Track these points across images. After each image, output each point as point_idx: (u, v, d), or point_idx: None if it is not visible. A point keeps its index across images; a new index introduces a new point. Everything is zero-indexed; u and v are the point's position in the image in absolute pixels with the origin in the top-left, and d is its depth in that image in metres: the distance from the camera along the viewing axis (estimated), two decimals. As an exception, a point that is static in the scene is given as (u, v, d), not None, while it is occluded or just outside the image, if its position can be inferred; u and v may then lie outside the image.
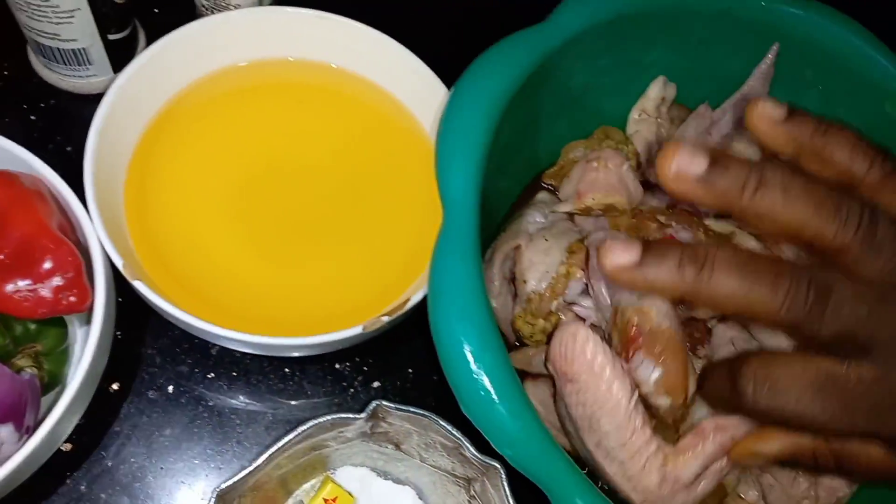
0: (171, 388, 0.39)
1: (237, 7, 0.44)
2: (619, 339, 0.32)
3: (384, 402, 0.32)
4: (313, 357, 0.41)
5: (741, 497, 0.35)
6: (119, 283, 0.35)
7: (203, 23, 0.41)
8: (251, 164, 0.40)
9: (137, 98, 0.39)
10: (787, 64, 0.41)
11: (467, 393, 0.28)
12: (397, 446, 0.36)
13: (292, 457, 0.34)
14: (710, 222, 0.39)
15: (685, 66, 0.42)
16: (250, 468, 0.31)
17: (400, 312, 0.35)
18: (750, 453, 0.30)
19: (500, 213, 0.41)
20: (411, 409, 0.33)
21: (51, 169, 0.36)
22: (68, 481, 0.37)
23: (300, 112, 0.42)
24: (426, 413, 0.32)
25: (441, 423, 0.32)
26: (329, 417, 0.33)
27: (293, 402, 0.40)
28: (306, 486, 0.37)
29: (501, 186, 0.40)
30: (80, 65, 0.43)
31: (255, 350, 0.37)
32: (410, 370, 0.41)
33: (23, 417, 0.32)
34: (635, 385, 0.31)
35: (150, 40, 0.40)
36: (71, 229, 0.35)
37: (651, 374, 0.31)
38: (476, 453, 0.32)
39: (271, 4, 0.45)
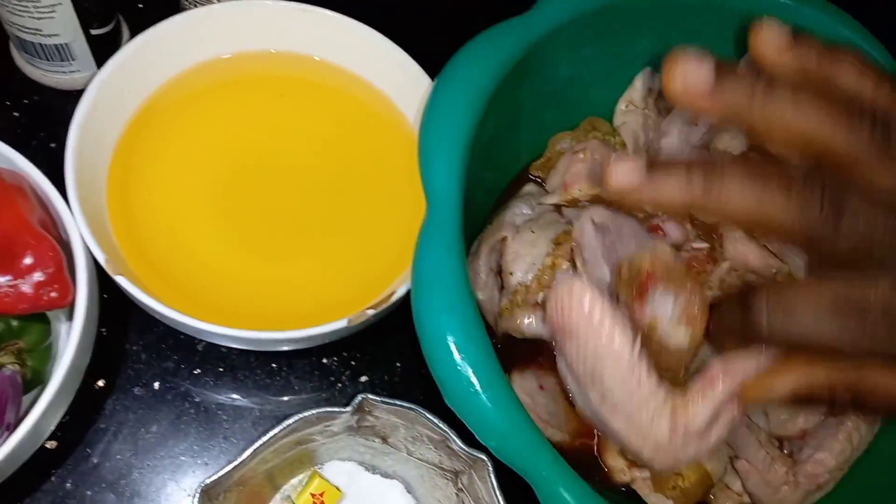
0: (156, 385, 0.39)
1: (220, 0, 0.44)
2: (629, 289, 0.31)
3: (370, 396, 0.32)
4: (300, 352, 0.41)
5: (728, 487, 0.35)
6: (103, 279, 0.35)
7: (186, 16, 0.41)
8: (235, 158, 0.40)
9: (120, 92, 0.39)
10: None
11: (451, 384, 0.28)
12: (384, 440, 0.36)
13: (278, 451, 0.34)
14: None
15: (672, 56, 0.42)
16: (235, 463, 0.31)
17: (385, 305, 0.35)
18: (763, 393, 0.28)
19: (487, 206, 0.40)
20: (397, 403, 0.33)
21: (32, 164, 0.36)
22: (53, 479, 0.37)
23: (284, 105, 0.42)
24: (412, 406, 0.32)
25: (427, 415, 0.32)
26: (314, 411, 0.32)
27: (280, 398, 0.40)
28: (294, 481, 0.37)
29: (488, 179, 0.39)
30: (62, 60, 0.43)
31: (240, 344, 0.37)
32: (398, 364, 0.41)
33: (3, 414, 0.31)
34: (642, 331, 0.30)
35: (135, 35, 0.40)
36: (53, 225, 0.35)
37: (671, 306, 0.30)
38: (463, 446, 0.32)
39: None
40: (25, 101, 0.45)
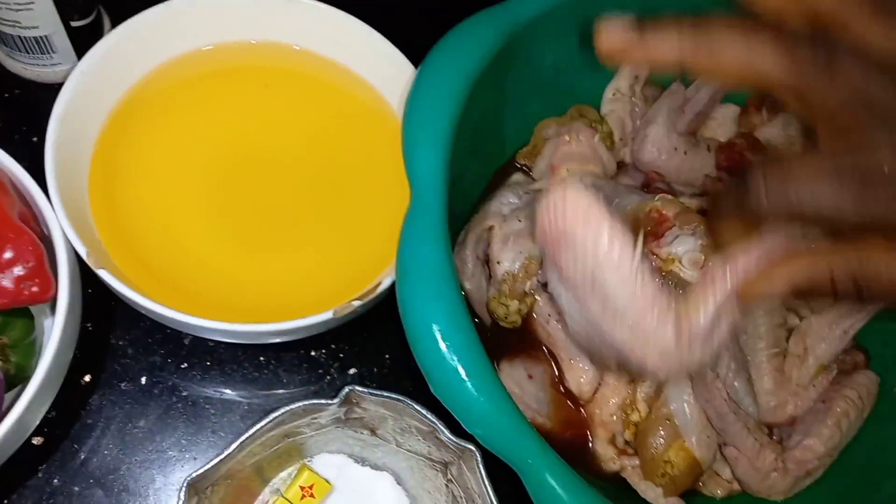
0: (143, 379, 0.39)
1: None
2: (642, 232, 0.30)
3: (357, 388, 0.32)
4: (288, 345, 0.40)
5: (717, 474, 0.35)
6: (88, 274, 0.35)
7: (168, 6, 0.40)
8: (219, 150, 0.40)
9: (100, 84, 0.38)
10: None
11: (436, 373, 0.28)
12: (373, 432, 0.35)
13: (265, 444, 0.34)
14: (686, 200, 0.38)
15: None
16: (221, 456, 0.31)
17: (371, 297, 0.34)
18: (764, 288, 0.26)
19: (474, 196, 0.40)
20: (385, 394, 0.32)
21: (12, 158, 0.35)
22: (40, 475, 0.36)
23: (268, 96, 0.42)
24: (400, 397, 0.32)
25: (416, 406, 0.32)
26: (301, 404, 0.32)
27: (269, 391, 0.40)
28: (283, 474, 0.37)
29: (474, 168, 0.39)
30: (43, 53, 0.42)
31: (226, 338, 0.36)
32: (387, 356, 0.41)
33: (-13, 410, 0.31)
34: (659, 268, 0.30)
35: (116, 26, 0.40)
36: (34, 220, 0.35)
37: (691, 244, 0.31)
38: (451, 437, 0.32)
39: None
40: (6, 96, 0.44)
